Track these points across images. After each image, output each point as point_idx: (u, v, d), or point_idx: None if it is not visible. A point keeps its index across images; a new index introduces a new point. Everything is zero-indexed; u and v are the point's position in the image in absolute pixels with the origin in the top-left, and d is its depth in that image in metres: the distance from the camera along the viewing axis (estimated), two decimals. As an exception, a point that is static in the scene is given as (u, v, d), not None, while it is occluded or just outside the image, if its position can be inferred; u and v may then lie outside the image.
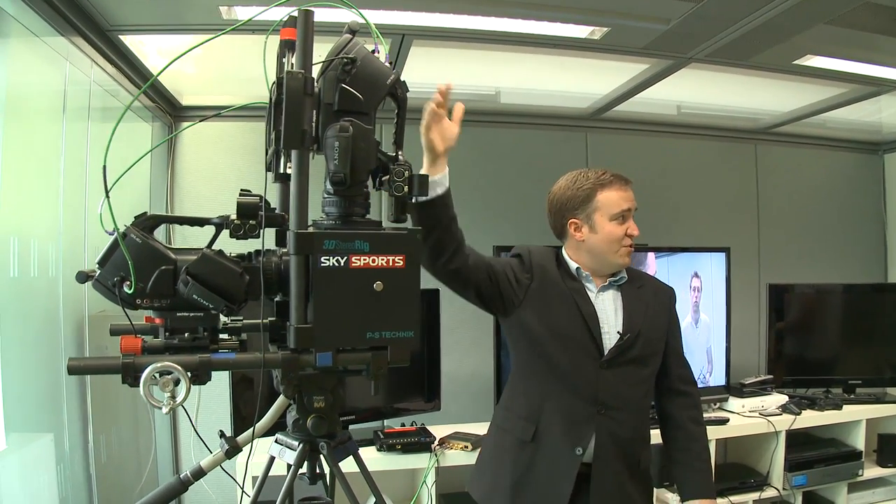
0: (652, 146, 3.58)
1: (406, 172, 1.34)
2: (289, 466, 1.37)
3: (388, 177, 1.34)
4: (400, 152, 1.37)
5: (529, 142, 3.43)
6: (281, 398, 1.38)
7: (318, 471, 1.44)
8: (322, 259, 1.21)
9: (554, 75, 2.98)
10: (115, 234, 1.28)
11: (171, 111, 3.04)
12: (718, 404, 3.09)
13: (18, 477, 2.19)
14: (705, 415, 2.93)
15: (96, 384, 2.41)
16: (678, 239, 3.31)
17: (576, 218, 1.79)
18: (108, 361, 1.19)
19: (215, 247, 1.28)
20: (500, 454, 1.82)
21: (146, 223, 1.31)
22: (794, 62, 2.48)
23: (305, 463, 1.42)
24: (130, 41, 2.21)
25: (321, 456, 1.40)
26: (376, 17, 2.10)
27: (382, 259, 1.24)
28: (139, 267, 1.25)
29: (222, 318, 1.36)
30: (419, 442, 2.56)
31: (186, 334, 1.28)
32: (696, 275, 3.12)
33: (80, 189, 2.12)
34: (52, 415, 2.29)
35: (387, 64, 1.36)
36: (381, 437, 2.59)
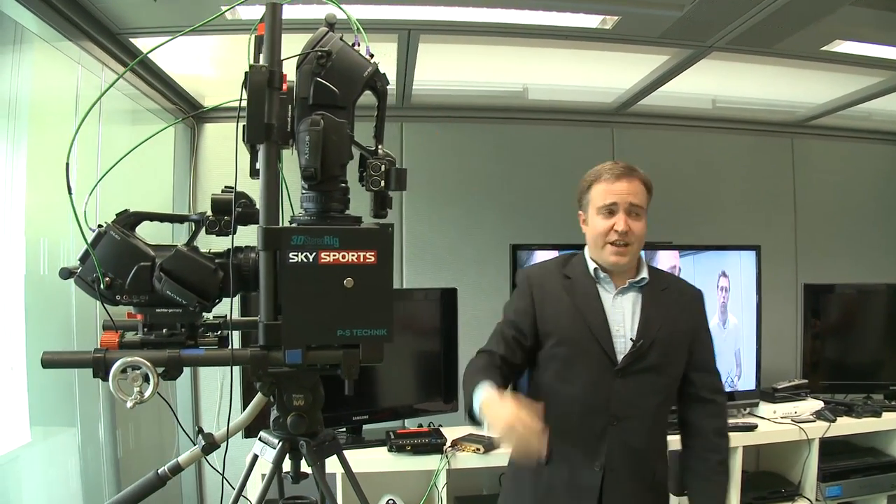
0: (681, 141, 3.46)
1: (383, 166, 1.31)
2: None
3: (365, 171, 1.31)
4: (380, 146, 1.35)
5: (554, 138, 3.37)
6: (258, 396, 1.37)
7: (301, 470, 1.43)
8: (290, 255, 1.20)
9: (575, 70, 2.91)
10: (98, 229, 1.30)
11: (193, 114, 3.09)
12: (748, 409, 2.96)
13: (42, 469, 2.26)
14: (733, 420, 2.86)
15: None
16: (707, 237, 3.19)
17: (581, 210, 1.80)
18: (80, 356, 1.21)
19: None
20: (521, 477, 1.78)
21: (127, 220, 1.33)
22: (823, 48, 2.35)
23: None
24: (141, 44, 2.25)
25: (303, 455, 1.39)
26: (377, 12, 2.10)
27: (353, 255, 1.22)
28: (119, 263, 1.27)
29: (207, 315, 1.37)
30: (430, 443, 2.52)
31: (164, 330, 1.29)
32: (723, 274, 3.00)
33: (84, 189, 2.17)
34: (76, 410, 2.35)
35: (366, 57, 1.34)
36: (392, 437, 2.57)
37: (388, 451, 2.56)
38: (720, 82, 3.02)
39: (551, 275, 1.78)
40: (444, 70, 2.89)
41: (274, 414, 1.38)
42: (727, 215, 3.43)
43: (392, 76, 2.79)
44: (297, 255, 1.20)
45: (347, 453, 2.48)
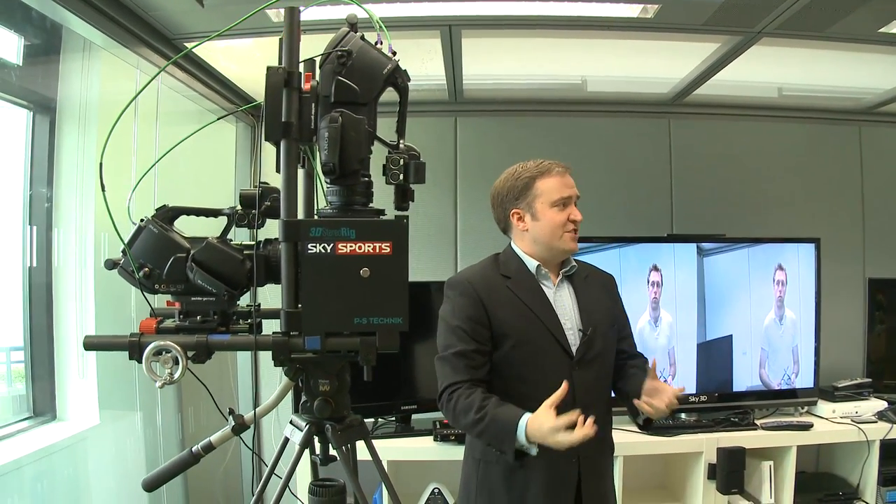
0: (739, 131, 3.34)
1: (402, 160, 1.35)
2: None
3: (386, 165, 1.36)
4: (402, 141, 1.39)
5: (610, 131, 3.32)
6: (285, 380, 1.44)
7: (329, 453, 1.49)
8: (309, 246, 1.25)
9: (629, 61, 2.87)
10: (140, 223, 1.40)
11: (253, 112, 3.23)
12: (806, 408, 2.85)
13: (109, 449, 2.42)
14: (790, 419, 2.78)
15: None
16: (765, 229, 3.07)
17: (517, 208, 1.79)
18: (118, 339, 1.30)
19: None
20: (491, 488, 1.75)
21: (166, 214, 1.42)
22: (881, 30, 2.22)
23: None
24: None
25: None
26: (416, 10, 2.14)
27: (369, 246, 1.26)
28: (158, 255, 1.35)
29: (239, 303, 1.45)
30: (473, 433, 2.56)
31: (199, 317, 1.37)
32: (780, 267, 2.89)
33: (149, 186, 2.32)
34: (136, 395, 2.52)
35: (388, 54, 1.37)
36: (438, 427, 2.63)
37: (434, 440, 2.62)
38: (778, 70, 2.90)
39: (492, 277, 1.77)
40: (498, 64, 2.89)
41: (302, 398, 1.45)
42: (786, 207, 3.28)
43: (441, 72, 2.83)
44: (315, 247, 1.25)
45: (396, 442, 2.60)
